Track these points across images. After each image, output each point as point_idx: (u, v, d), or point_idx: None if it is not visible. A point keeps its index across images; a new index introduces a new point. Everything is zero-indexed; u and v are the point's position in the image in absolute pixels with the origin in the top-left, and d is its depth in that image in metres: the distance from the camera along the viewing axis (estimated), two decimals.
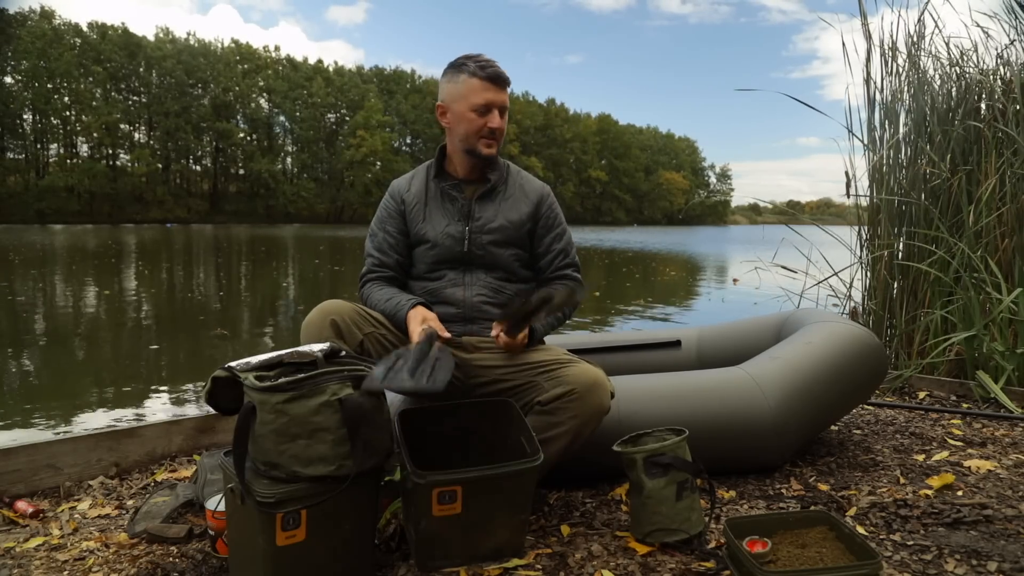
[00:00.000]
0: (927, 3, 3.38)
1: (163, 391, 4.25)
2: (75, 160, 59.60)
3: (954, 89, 3.41)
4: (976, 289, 2.87)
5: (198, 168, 68.48)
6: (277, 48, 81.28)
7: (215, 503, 1.44)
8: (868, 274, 3.50)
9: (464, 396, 1.64)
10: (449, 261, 1.73)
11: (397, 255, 1.76)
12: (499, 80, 1.67)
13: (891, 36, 3.55)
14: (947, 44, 3.48)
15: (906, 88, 3.48)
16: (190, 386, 4.30)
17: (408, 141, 79.58)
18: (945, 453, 1.99)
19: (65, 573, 1.39)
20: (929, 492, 1.68)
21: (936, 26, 3.49)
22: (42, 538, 1.55)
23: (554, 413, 1.47)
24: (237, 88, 66.99)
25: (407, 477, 1.30)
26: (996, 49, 3.36)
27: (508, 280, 1.74)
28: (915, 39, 3.48)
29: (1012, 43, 3.28)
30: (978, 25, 3.44)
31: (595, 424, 1.50)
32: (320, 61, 76.79)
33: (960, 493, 1.67)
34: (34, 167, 58.46)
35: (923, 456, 1.98)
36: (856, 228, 3.61)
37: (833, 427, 2.27)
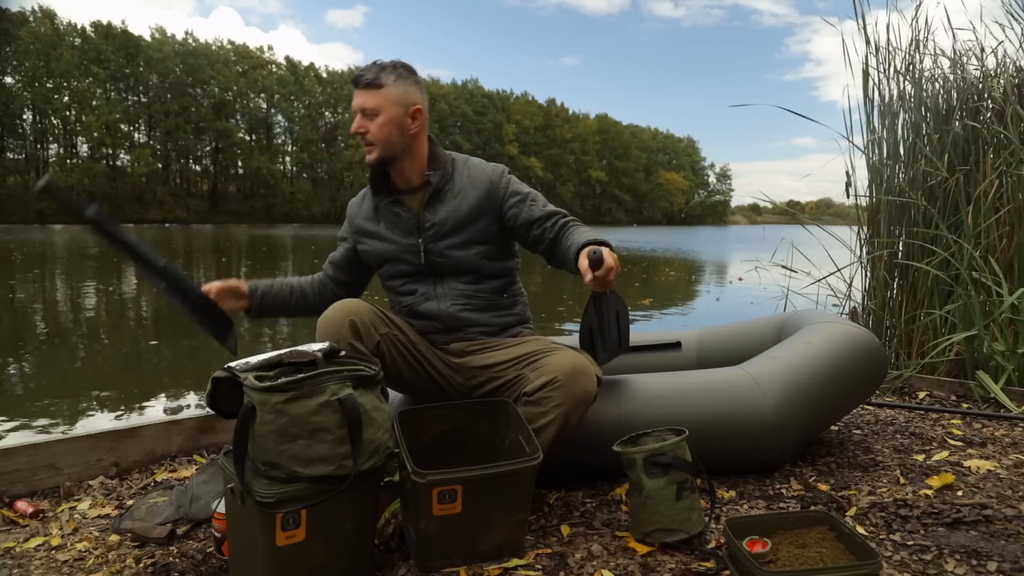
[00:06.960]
0: (937, 3, 3.38)
1: (163, 391, 4.25)
2: (75, 160, 59.71)
3: (953, 89, 3.41)
4: (976, 288, 2.87)
5: (198, 168, 68.54)
6: (270, 47, 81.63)
7: (217, 504, 1.44)
8: (868, 274, 3.50)
9: (463, 398, 1.65)
10: (414, 275, 1.70)
11: (335, 269, 1.84)
12: (357, 82, 1.62)
13: (887, 38, 3.56)
14: (953, 40, 3.48)
15: (907, 87, 3.48)
16: (190, 386, 4.30)
17: None
18: (945, 453, 1.99)
19: (65, 573, 1.39)
20: (929, 492, 1.67)
21: (942, 23, 3.49)
22: (42, 538, 1.55)
23: (539, 403, 1.47)
24: (235, 87, 67.01)
25: (407, 477, 1.30)
26: (994, 49, 3.36)
27: (480, 281, 1.70)
28: (913, 39, 3.48)
29: (1003, 42, 3.29)
30: (974, 27, 3.44)
31: (582, 410, 1.49)
32: (312, 64, 77.21)
33: (960, 493, 1.67)
34: (34, 167, 58.49)
35: (923, 456, 1.98)
36: (856, 228, 3.61)
37: (833, 427, 2.27)
